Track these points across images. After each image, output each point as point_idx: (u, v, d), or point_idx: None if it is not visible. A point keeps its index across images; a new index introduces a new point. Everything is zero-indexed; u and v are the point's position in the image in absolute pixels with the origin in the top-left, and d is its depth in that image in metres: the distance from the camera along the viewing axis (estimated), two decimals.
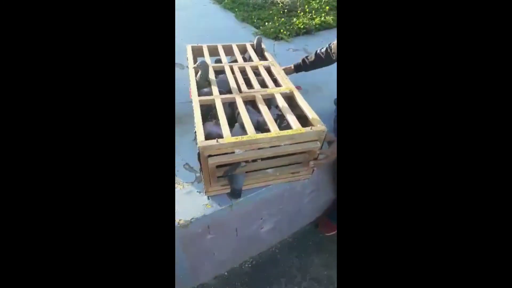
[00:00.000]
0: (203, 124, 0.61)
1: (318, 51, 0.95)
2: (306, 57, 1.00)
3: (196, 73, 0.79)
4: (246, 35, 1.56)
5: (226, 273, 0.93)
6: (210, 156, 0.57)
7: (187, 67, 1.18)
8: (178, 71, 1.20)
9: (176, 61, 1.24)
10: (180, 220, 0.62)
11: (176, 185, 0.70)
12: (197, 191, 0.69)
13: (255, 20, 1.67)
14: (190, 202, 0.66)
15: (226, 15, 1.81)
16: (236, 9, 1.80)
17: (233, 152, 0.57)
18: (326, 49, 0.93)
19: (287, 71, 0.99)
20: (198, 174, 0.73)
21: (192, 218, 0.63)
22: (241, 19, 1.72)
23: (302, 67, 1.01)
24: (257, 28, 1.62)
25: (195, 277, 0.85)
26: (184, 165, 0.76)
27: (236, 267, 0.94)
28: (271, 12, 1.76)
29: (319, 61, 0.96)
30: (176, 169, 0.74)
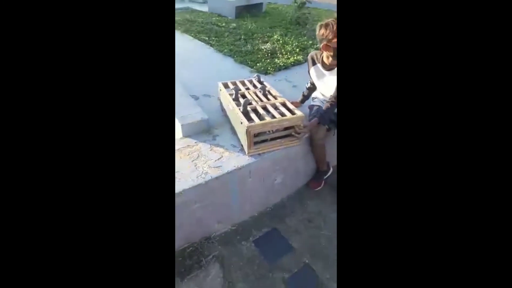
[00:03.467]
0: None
1: (306, 86, 1.69)
2: (303, 92, 1.72)
3: (231, 95, 1.46)
4: (245, 72, 2.29)
5: (256, 214, 1.50)
6: (251, 130, 1.21)
7: (213, 96, 1.86)
8: (206, 99, 1.86)
9: (205, 93, 1.91)
10: (237, 166, 1.23)
11: (228, 152, 1.32)
12: (242, 154, 1.31)
13: (249, 62, 2.42)
14: (240, 159, 1.28)
15: (227, 59, 2.56)
16: (235, 55, 2.56)
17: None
18: (310, 82, 1.64)
19: (297, 104, 1.67)
20: (239, 148, 1.36)
21: (243, 165, 1.24)
22: (239, 62, 2.47)
23: (304, 99, 1.74)
24: (251, 68, 2.36)
25: (242, 213, 1.42)
26: (231, 144, 1.38)
27: (261, 210, 1.52)
28: (259, 56, 2.53)
29: (310, 91, 1.68)
30: (227, 147, 1.37)
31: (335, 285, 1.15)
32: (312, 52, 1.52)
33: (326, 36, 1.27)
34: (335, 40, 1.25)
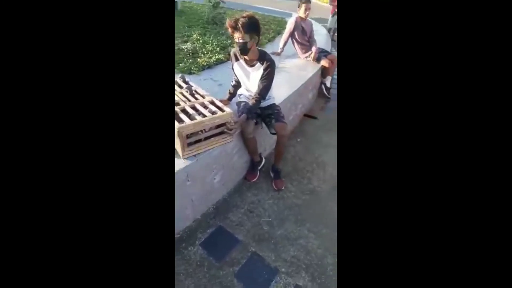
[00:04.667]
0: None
1: (232, 84, 1.71)
2: (229, 90, 1.73)
3: None
4: None
5: (199, 217, 1.48)
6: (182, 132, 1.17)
7: None
8: None
9: None
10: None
11: None
12: (177, 158, 1.26)
13: None
14: (175, 163, 1.23)
15: None
16: None
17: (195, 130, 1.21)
18: (234, 80, 1.67)
19: (225, 102, 1.65)
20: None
21: (179, 169, 1.20)
22: None
23: (231, 97, 1.74)
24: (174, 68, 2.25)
25: (184, 219, 1.37)
26: None
27: (204, 212, 1.50)
28: (180, 55, 2.44)
29: (235, 88, 1.71)
30: None
31: (280, 263, 1.27)
32: (234, 49, 1.58)
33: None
34: (236, 35, 1.35)
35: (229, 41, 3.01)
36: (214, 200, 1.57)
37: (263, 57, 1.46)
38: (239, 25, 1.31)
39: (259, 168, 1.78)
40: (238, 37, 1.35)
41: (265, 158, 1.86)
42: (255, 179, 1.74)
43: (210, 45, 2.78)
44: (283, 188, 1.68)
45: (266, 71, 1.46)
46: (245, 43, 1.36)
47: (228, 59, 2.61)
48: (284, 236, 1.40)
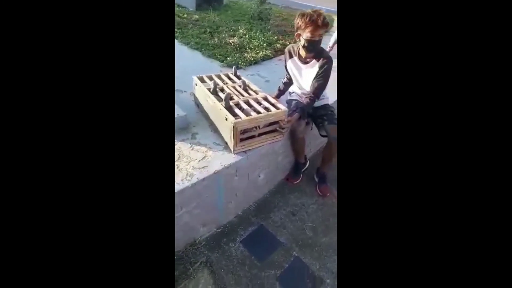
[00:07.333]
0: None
1: (283, 81, 1.67)
2: (279, 87, 1.69)
3: (209, 89, 1.37)
4: (215, 66, 2.19)
5: (240, 213, 1.46)
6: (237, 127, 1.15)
7: (185, 91, 1.73)
8: (178, 95, 1.72)
9: (176, 87, 1.76)
10: (225, 165, 1.17)
11: (212, 151, 1.24)
12: (227, 152, 1.25)
13: (218, 56, 2.32)
14: (225, 157, 1.21)
15: (194, 52, 2.41)
16: (202, 49, 2.42)
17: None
18: (286, 77, 1.63)
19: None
20: (223, 146, 1.29)
21: (230, 163, 1.18)
22: (207, 55, 2.34)
23: (280, 93, 1.71)
24: (221, 62, 2.26)
25: (227, 213, 1.36)
26: (213, 142, 1.30)
27: (246, 208, 1.48)
28: (227, 49, 2.45)
29: (286, 86, 1.67)
30: (210, 145, 1.28)
31: (324, 273, 1.20)
32: (290, 45, 1.52)
33: (299, 25, 1.28)
34: (308, 31, 1.26)
35: (275, 37, 2.95)
36: (256, 198, 1.54)
37: (319, 54, 1.38)
38: (325, 21, 1.23)
39: (302, 170, 1.71)
40: (316, 33, 1.25)
41: (308, 160, 1.78)
42: (297, 182, 1.68)
43: (257, 40, 2.76)
44: (328, 195, 1.59)
45: (322, 69, 1.37)
46: (320, 40, 1.29)
47: (275, 56, 2.56)
48: (329, 245, 1.32)
